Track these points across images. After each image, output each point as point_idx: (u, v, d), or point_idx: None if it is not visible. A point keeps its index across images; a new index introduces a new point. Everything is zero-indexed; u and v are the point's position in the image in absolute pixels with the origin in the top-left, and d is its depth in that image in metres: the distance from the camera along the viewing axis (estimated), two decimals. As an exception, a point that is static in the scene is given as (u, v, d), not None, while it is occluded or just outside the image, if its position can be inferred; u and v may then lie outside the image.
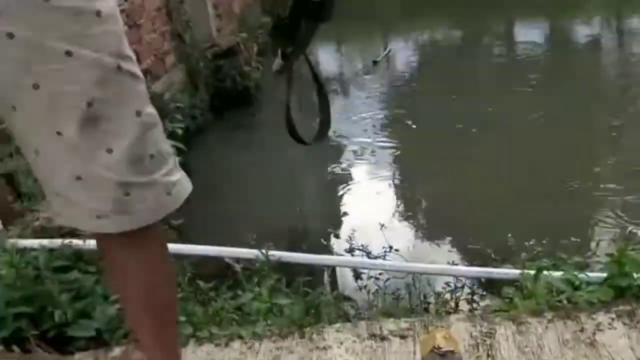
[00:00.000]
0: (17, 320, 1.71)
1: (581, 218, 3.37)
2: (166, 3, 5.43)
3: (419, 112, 5.29)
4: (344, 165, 4.52)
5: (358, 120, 5.37)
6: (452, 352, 1.29)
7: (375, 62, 7.15)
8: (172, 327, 1.04)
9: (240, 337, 1.57)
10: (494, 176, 3.90)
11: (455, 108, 5.12)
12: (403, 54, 7.80)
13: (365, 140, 4.86)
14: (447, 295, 2.18)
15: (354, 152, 4.70)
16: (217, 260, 2.36)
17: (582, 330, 1.45)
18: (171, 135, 3.49)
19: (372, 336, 1.50)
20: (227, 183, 4.19)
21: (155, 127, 0.87)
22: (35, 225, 2.36)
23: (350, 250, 2.88)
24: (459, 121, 4.82)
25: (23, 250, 2.05)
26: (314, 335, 1.53)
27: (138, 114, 0.83)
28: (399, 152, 4.62)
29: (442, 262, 2.76)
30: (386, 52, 7.56)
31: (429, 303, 2.18)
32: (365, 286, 2.38)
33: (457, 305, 2.14)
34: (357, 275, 2.52)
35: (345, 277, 2.68)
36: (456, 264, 2.57)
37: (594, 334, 1.43)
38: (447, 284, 2.24)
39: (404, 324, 1.54)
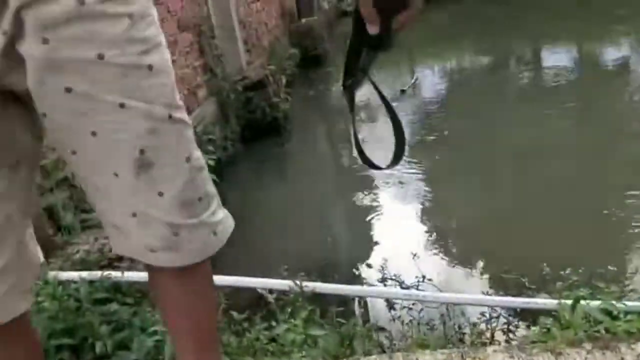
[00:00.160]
0: (59, 352, 1.76)
1: (618, 246, 3.31)
2: (198, 39, 5.59)
3: (448, 139, 5.29)
4: (373, 194, 4.53)
5: (388, 147, 5.39)
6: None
7: (403, 91, 7.20)
8: (215, 354, 1.07)
9: (276, 369, 1.58)
10: (527, 203, 3.86)
11: (484, 134, 5.11)
12: (430, 81, 7.85)
13: (395, 168, 4.86)
14: (483, 326, 2.16)
15: (383, 180, 4.71)
16: (250, 291, 2.38)
17: (622, 361, 1.42)
18: (204, 167, 3.56)
19: (409, 368, 1.50)
20: (258, 213, 4.24)
21: (202, 171, 0.92)
22: (75, 258, 2.43)
23: (383, 280, 2.87)
24: (489, 147, 4.81)
25: (64, 283, 2.11)
26: (350, 367, 1.53)
27: (187, 159, 0.88)
28: (428, 180, 4.61)
29: (477, 291, 2.73)
30: (414, 80, 7.61)
31: (464, 334, 2.15)
32: (399, 317, 2.37)
33: (493, 336, 2.11)
34: (391, 306, 2.51)
35: (379, 307, 2.67)
36: (491, 294, 2.54)
37: (634, 365, 1.40)
38: (482, 314, 2.21)
39: (440, 355, 1.53)
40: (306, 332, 1.86)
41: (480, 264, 3.24)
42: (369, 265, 3.24)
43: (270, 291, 2.29)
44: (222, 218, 0.96)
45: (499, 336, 2.14)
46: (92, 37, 0.77)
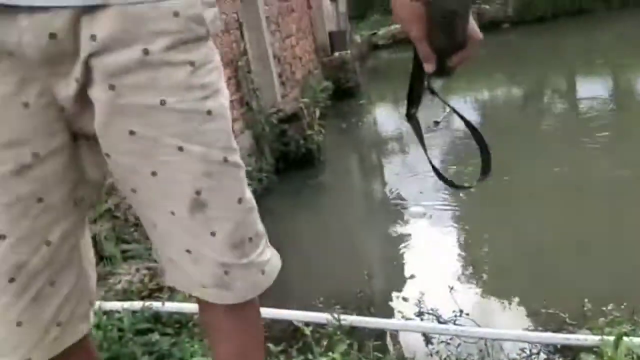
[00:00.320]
0: (103, 381, 1.80)
1: (661, 281, 3.22)
2: (236, 73, 5.74)
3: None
4: (407, 226, 4.52)
5: (420, 179, 5.39)
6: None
7: (436, 123, 7.21)
8: None
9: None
10: (565, 237, 3.80)
11: (519, 166, 5.07)
12: (464, 112, 7.83)
13: (428, 199, 4.86)
14: (522, 362, 2.13)
15: (417, 212, 4.70)
16: (286, 322, 2.39)
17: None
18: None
19: (449, 404, 1.49)
20: (293, 244, 4.27)
21: (253, 211, 0.96)
22: (117, 288, 2.49)
23: (420, 314, 2.85)
24: (524, 179, 4.76)
25: (108, 312, 2.17)
26: (389, 402, 1.53)
27: (240, 200, 0.93)
28: (463, 212, 4.59)
29: (515, 326, 2.69)
30: (447, 111, 7.62)
31: (503, 370, 2.13)
32: (437, 351, 2.35)
33: (533, 372, 2.08)
34: (428, 340, 2.50)
35: (416, 342, 2.65)
36: (530, 329, 2.50)
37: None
38: (522, 350, 2.18)
39: (480, 391, 1.52)
40: (344, 365, 1.86)
41: (519, 298, 3.19)
42: (405, 299, 3.23)
43: (307, 324, 2.30)
44: (270, 257, 1.00)
45: (539, 373, 2.10)
46: (155, 84, 0.83)
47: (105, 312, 2.14)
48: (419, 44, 0.87)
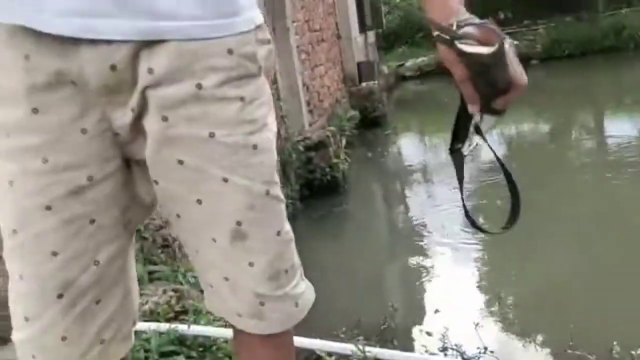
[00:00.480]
0: (129, 401, 1.82)
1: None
2: (265, 101, 5.81)
3: (505, 204, 5.20)
4: (431, 259, 4.50)
5: (443, 211, 5.37)
6: None
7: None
8: None
9: None
10: (593, 275, 3.74)
11: (545, 201, 5.02)
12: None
13: (452, 231, 4.83)
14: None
15: (441, 245, 4.67)
16: (307, 351, 2.39)
17: None
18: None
19: None
20: (315, 272, 4.25)
21: (291, 244, 0.99)
22: (144, 309, 2.52)
23: (444, 349, 2.82)
24: (550, 215, 4.71)
25: (136, 333, 2.19)
26: None
27: (278, 233, 0.95)
28: (487, 246, 4.54)
29: (541, 366, 2.64)
30: (474, 144, 7.61)
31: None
32: (461, 388, 2.32)
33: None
34: (452, 376, 2.47)
35: (439, 377, 2.63)
36: (556, 370, 2.46)
37: None
38: (548, 390, 2.15)
39: None
40: (368, 397, 1.85)
41: (544, 337, 3.14)
42: (429, 333, 3.20)
43: (330, 354, 2.30)
44: (305, 290, 1.02)
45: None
46: (206, 117, 0.86)
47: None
48: (461, 86, 0.90)
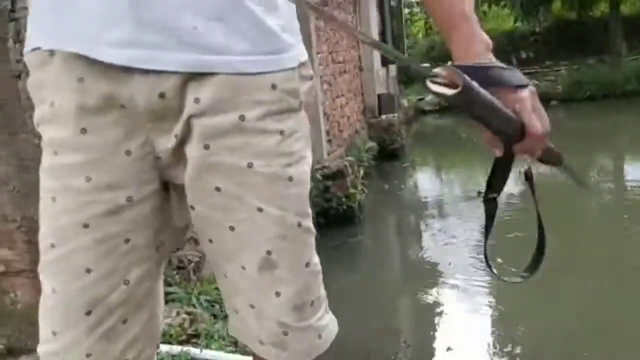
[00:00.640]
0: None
1: None
2: (286, 128, 5.87)
3: (519, 249, 5.17)
4: (442, 296, 4.45)
5: (457, 248, 5.35)
6: None
7: (480, 193, 7.16)
8: None
9: None
10: (606, 324, 3.68)
11: (560, 246, 4.94)
12: (508, 188, 7.76)
13: (465, 269, 4.79)
14: None
15: (454, 281, 4.63)
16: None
17: None
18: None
19: None
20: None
21: (318, 276, 1.01)
22: (158, 330, 2.53)
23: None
24: (565, 260, 4.64)
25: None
26: None
27: (307, 265, 0.98)
28: (500, 287, 4.48)
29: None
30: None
31: None
32: None
33: None
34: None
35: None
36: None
37: None
38: None
39: None
40: None
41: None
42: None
43: (341, 386, 2.28)
44: (328, 322, 1.04)
45: None
46: (246, 148, 0.89)
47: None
48: (484, 131, 0.92)
